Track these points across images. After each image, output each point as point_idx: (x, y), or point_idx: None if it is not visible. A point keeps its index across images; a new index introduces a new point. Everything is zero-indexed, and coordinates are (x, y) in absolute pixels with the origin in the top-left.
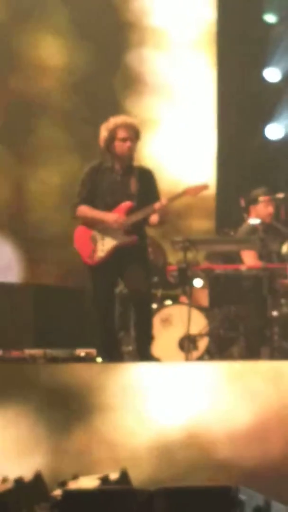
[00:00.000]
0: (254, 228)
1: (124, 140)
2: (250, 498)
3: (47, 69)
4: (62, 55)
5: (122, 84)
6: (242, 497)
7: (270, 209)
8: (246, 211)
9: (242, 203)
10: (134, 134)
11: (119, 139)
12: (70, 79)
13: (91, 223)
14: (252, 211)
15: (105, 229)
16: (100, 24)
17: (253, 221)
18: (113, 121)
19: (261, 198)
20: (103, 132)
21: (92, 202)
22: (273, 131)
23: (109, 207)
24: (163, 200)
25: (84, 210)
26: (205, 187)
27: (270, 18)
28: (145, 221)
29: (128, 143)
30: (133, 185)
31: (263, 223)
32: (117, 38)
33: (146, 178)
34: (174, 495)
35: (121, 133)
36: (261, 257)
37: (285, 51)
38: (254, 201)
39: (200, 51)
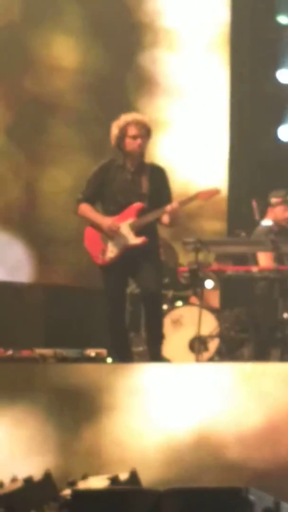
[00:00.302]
0: (268, 230)
1: (134, 137)
2: (260, 500)
3: (60, 69)
4: (75, 55)
5: (135, 84)
6: (252, 498)
7: (284, 208)
8: (263, 213)
9: (255, 204)
10: (145, 131)
11: (130, 137)
12: (83, 79)
13: (92, 225)
14: (270, 213)
15: None
16: (113, 25)
17: (266, 222)
18: (124, 118)
19: (273, 200)
20: (114, 130)
21: (101, 201)
22: (286, 133)
23: (120, 207)
24: (174, 203)
25: (85, 209)
26: (217, 191)
27: (283, 19)
28: (157, 221)
29: (138, 141)
30: (145, 184)
31: (276, 225)
32: (130, 39)
33: (158, 176)
34: (183, 495)
35: (132, 131)
36: (274, 259)
37: None
38: (271, 203)
39: (213, 52)
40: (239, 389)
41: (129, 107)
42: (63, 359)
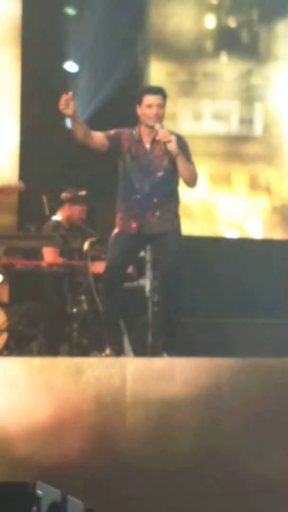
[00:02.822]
0: (56, 225)
1: None
2: (47, 494)
3: None
4: None
5: None
6: (39, 492)
7: (82, 209)
8: (53, 208)
9: (44, 199)
10: None
11: None
12: None
13: None
14: (66, 209)
15: None
16: None
17: (56, 217)
18: None
19: (63, 195)
20: None
21: None
22: None
23: None
24: None
25: None
26: (21, 187)
27: (70, 11)
28: None
29: None
30: None
31: (67, 221)
32: None
33: None
34: None
35: None
36: (62, 254)
37: (81, 43)
38: (65, 200)
39: (4, 46)
40: (27, 384)
41: None
42: None
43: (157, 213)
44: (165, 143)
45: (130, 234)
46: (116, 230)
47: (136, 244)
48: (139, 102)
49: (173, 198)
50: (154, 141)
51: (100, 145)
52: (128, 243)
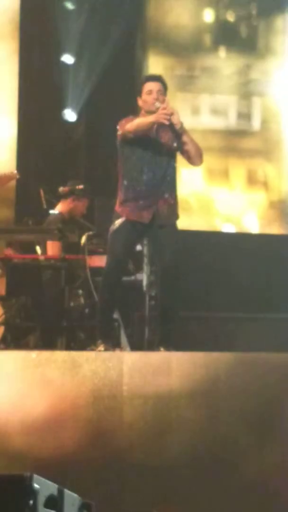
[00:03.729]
0: (58, 219)
1: None
2: (44, 487)
3: None
4: None
5: None
6: (36, 486)
7: (86, 203)
8: (51, 201)
9: (42, 193)
10: None
11: None
12: None
13: None
14: (68, 203)
15: None
16: None
17: (56, 211)
18: None
19: (61, 189)
20: None
21: None
22: (70, 115)
23: None
24: None
25: None
26: (15, 175)
27: (69, 5)
28: None
29: None
30: None
31: (67, 215)
32: None
33: None
34: None
35: None
36: (61, 248)
37: (79, 36)
38: (63, 194)
39: (2, 39)
40: (24, 378)
41: None
42: None
43: (168, 201)
44: (169, 117)
45: (138, 224)
46: (121, 220)
47: (138, 236)
48: (140, 91)
49: (175, 187)
50: (158, 126)
51: None
52: (131, 234)
